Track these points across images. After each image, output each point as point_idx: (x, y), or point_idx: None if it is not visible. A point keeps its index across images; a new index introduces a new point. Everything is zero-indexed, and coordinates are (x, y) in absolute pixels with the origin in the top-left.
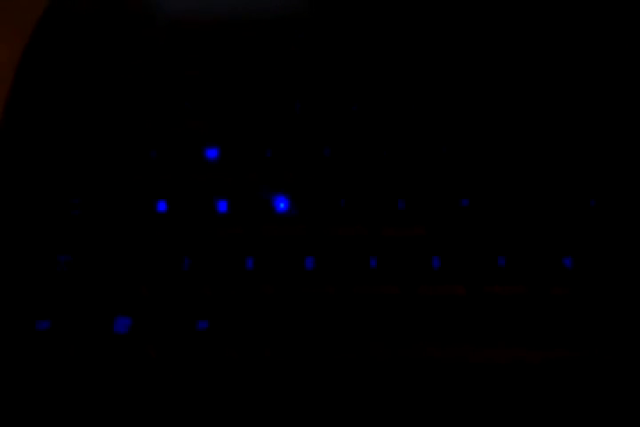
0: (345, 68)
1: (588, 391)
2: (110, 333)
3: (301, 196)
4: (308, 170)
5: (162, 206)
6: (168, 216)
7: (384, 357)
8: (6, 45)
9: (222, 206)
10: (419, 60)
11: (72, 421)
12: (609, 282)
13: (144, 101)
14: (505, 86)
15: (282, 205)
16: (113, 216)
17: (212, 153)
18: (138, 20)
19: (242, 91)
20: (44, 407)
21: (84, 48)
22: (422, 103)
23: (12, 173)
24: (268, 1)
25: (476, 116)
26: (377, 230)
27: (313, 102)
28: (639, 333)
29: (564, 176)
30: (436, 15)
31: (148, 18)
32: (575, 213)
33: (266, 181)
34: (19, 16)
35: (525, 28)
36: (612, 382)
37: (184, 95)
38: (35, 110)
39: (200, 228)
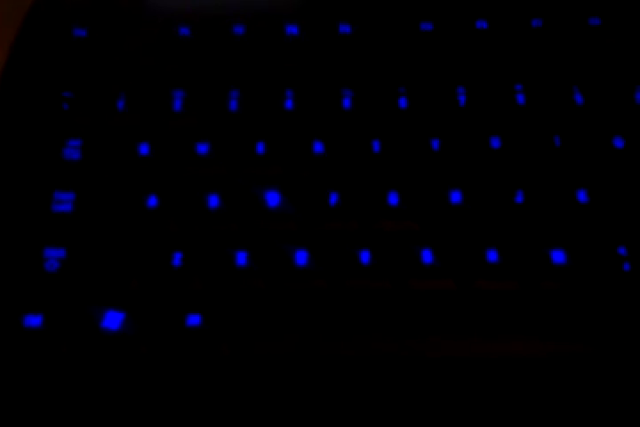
0: (336, 64)
1: (581, 386)
2: (101, 328)
3: (293, 191)
4: (300, 165)
5: (152, 201)
6: (158, 211)
7: (376, 351)
8: None
9: (213, 201)
10: (411, 57)
11: (62, 416)
12: (600, 276)
13: (135, 96)
14: (494, 82)
15: (273, 201)
16: (104, 211)
17: (202, 148)
18: (126, 16)
19: (233, 86)
20: (34, 404)
21: (72, 43)
22: (413, 99)
23: (4, 168)
24: None
25: (466, 112)
26: (369, 225)
27: (304, 98)
28: (632, 327)
29: (554, 171)
30: (429, 14)
31: (138, 13)
32: (566, 207)
33: (257, 176)
34: (7, 11)
35: (513, 24)
36: (607, 377)
37: (175, 90)
38: (23, 104)
39: (191, 223)
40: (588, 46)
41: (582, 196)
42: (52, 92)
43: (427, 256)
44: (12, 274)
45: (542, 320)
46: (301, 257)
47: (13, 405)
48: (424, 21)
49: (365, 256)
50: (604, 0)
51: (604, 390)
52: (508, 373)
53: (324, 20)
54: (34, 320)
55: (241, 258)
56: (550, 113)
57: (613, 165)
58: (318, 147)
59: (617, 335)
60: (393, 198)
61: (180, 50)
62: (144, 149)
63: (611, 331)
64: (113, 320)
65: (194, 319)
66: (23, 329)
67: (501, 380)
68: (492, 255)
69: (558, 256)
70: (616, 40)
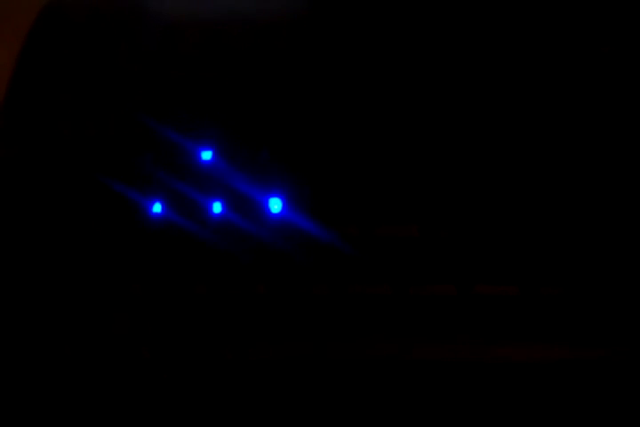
0: (337, 69)
1: (582, 391)
2: (104, 331)
3: (295, 196)
4: (301, 170)
5: (157, 207)
6: (163, 217)
7: (376, 356)
8: (4, 46)
9: (216, 207)
10: (410, 61)
11: (65, 420)
12: (600, 281)
13: (138, 103)
14: (496, 88)
15: (275, 206)
16: (109, 217)
17: (205, 155)
18: (131, 22)
19: (237, 92)
20: (37, 406)
21: (78, 50)
22: (415, 105)
23: (8, 173)
24: (263, 2)
25: (468, 118)
26: (369, 230)
27: (306, 104)
28: (633, 332)
29: (554, 176)
30: (428, 19)
31: (142, 19)
32: (565, 211)
33: (260, 182)
34: (17, 17)
35: (512, 28)
36: (608, 382)
37: (179, 96)
38: (31, 111)
39: (193, 228)
40: (586, 49)
41: (580, 199)
42: (57, 98)
43: (427, 261)
44: (17, 278)
45: (542, 325)
46: (303, 262)
47: (16, 407)
48: (422, 27)
49: (366, 261)
50: (603, 5)
51: (606, 395)
52: (509, 378)
53: (325, 27)
54: (40, 322)
55: (243, 262)
56: (550, 117)
57: (613, 170)
58: (319, 152)
59: (618, 340)
60: (393, 204)
61: (181, 56)
62: (147, 156)
63: (612, 336)
64: (117, 323)
65: (196, 324)
66: (27, 330)
67: (501, 385)
68: (492, 260)
69: (556, 261)
70: (616, 42)
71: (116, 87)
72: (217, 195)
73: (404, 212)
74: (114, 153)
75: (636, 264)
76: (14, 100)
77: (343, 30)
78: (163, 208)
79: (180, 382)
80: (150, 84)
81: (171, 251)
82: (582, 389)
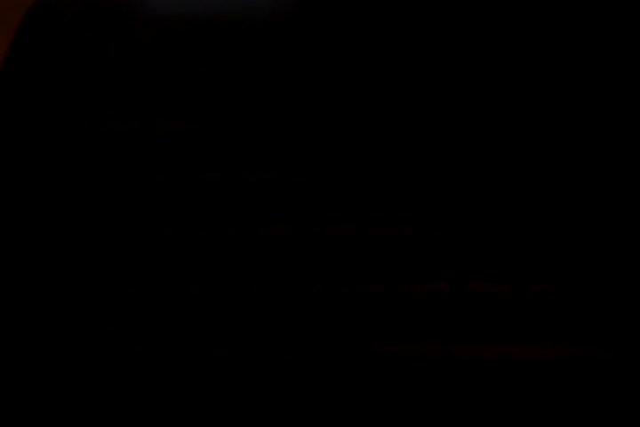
0: (330, 67)
1: (574, 389)
2: (97, 329)
3: (288, 196)
4: (294, 170)
5: (147, 207)
6: (154, 217)
7: (370, 354)
8: None
9: (208, 206)
10: (407, 60)
11: (56, 417)
12: (591, 279)
13: (130, 100)
14: (490, 87)
15: (268, 205)
16: (102, 217)
17: (196, 153)
18: (123, 18)
19: (228, 90)
20: (28, 403)
21: (69, 46)
22: (408, 104)
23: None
24: (257, 1)
25: (461, 117)
26: (363, 229)
27: (298, 102)
28: (622, 329)
29: (546, 175)
30: (428, 17)
31: (134, 15)
32: (556, 210)
33: (251, 181)
34: (6, 12)
35: (512, 27)
36: (599, 380)
37: (170, 96)
38: (20, 108)
39: (186, 227)
40: (586, 49)
41: (570, 198)
42: (46, 95)
43: (420, 260)
44: (7, 278)
45: (534, 323)
46: (298, 261)
47: (9, 405)
48: (422, 25)
49: (360, 260)
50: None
51: (596, 393)
52: (501, 375)
53: (320, 24)
54: (31, 321)
55: (237, 262)
56: (544, 119)
57: (607, 169)
58: (313, 152)
59: (610, 338)
60: (387, 203)
61: (175, 53)
62: (138, 153)
63: (603, 333)
64: (109, 321)
65: (189, 322)
66: (23, 331)
67: (494, 382)
68: (484, 258)
69: (547, 259)
70: (616, 41)
71: (107, 84)
72: (208, 194)
73: (398, 210)
74: (103, 150)
75: (627, 262)
76: (2, 97)
77: (334, 28)
78: (153, 208)
79: (172, 379)
80: (142, 80)
81: (162, 250)
82: (574, 386)
